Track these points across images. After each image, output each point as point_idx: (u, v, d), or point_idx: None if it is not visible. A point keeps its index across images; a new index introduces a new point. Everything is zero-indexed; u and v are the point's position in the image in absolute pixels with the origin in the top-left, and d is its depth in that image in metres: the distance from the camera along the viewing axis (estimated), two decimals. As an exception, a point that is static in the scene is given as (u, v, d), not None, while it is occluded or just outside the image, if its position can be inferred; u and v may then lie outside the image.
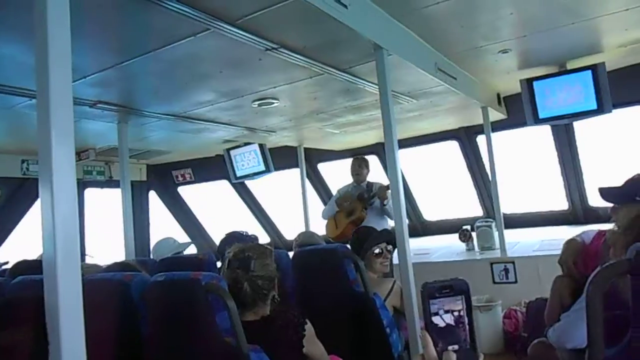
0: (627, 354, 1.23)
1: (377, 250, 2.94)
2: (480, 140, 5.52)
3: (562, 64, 4.10)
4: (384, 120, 2.69)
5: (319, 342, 2.11)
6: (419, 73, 3.28)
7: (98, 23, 2.14)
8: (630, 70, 4.34)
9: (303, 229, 5.51)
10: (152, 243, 4.21)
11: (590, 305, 1.20)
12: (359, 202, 4.97)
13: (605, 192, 2.06)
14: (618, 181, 2.04)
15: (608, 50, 3.82)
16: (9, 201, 5.15)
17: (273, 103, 3.76)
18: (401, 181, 2.70)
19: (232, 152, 5.75)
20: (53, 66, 1.19)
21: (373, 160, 6.13)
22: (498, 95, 5.00)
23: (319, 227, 5.28)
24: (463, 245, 5.16)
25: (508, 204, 5.35)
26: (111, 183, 5.76)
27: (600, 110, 3.97)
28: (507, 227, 4.81)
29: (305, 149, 5.85)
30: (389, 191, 4.86)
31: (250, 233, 3.69)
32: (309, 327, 2.05)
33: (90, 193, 5.92)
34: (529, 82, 4.21)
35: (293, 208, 6.09)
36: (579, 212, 5.47)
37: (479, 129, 5.16)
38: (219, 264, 2.47)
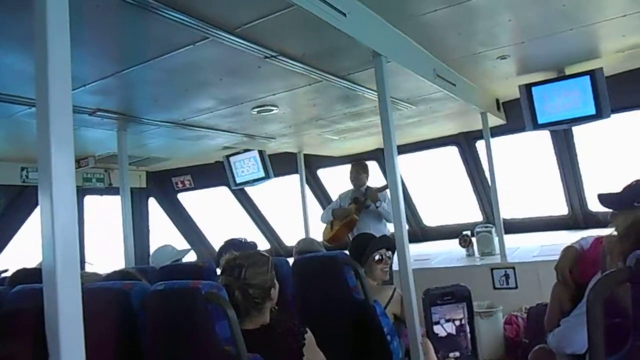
0: (628, 362, 1.23)
1: (377, 257, 2.93)
2: (480, 145, 5.53)
3: (560, 69, 4.12)
4: (383, 126, 2.69)
5: (320, 350, 2.10)
6: (417, 80, 3.29)
7: (98, 32, 2.15)
8: (628, 75, 4.36)
9: (303, 235, 5.51)
10: (152, 250, 4.20)
11: (590, 312, 1.20)
12: (354, 205, 4.99)
13: (603, 199, 2.07)
14: (618, 186, 2.04)
15: (606, 55, 3.83)
16: (9, 209, 5.14)
17: (272, 110, 3.77)
18: (401, 187, 2.70)
19: (231, 159, 5.75)
20: (53, 75, 1.19)
21: (373, 166, 6.14)
22: (497, 100, 5.02)
23: (319, 233, 5.28)
24: (463, 251, 5.15)
25: (508, 209, 5.36)
26: (111, 190, 5.75)
27: (599, 115, 3.98)
28: (507, 232, 4.82)
29: (305, 155, 5.86)
30: (382, 193, 4.90)
31: (249, 240, 3.70)
32: (309, 335, 2.04)
33: (89, 200, 5.91)
34: (527, 88, 4.22)
35: (293, 214, 6.09)
36: (578, 217, 5.47)
37: (478, 135, 5.17)
38: (219, 271, 2.46)
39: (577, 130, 4.96)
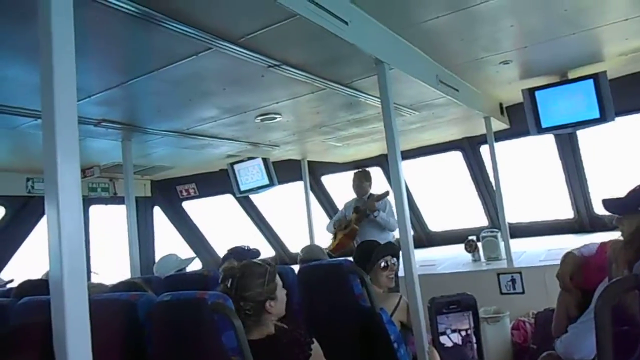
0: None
1: (382, 264, 2.92)
2: (484, 150, 5.52)
3: (563, 73, 4.11)
4: (387, 132, 2.69)
5: None
6: (420, 86, 3.30)
7: (102, 44, 2.17)
8: (631, 78, 4.35)
9: (308, 242, 5.51)
10: (157, 259, 4.20)
11: (598, 318, 1.19)
12: (354, 214, 5.00)
13: (608, 204, 2.06)
14: (623, 189, 2.04)
15: (609, 59, 3.83)
16: (14, 219, 5.16)
17: (276, 118, 3.78)
18: (405, 192, 2.69)
19: (236, 167, 5.76)
20: (58, 86, 1.19)
21: (377, 172, 6.15)
22: (500, 105, 5.01)
23: (324, 239, 5.29)
24: (469, 256, 5.13)
25: (513, 214, 5.34)
26: (116, 199, 5.77)
27: (603, 118, 3.97)
28: (513, 236, 4.79)
29: (309, 162, 5.87)
30: (381, 201, 4.92)
31: (252, 247, 3.70)
32: (315, 346, 2.03)
33: (94, 210, 5.93)
34: (530, 92, 4.21)
35: (297, 221, 6.09)
36: (584, 221, 5.44)
37: (482, 139, 5.16)
38: (223, 280, 2.46)
39: (581, 133, 4.95)
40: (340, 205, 5.63)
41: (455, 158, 5.85)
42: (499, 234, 4.95)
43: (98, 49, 2.20)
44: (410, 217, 2.69)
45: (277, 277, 2.12)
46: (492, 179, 4.99)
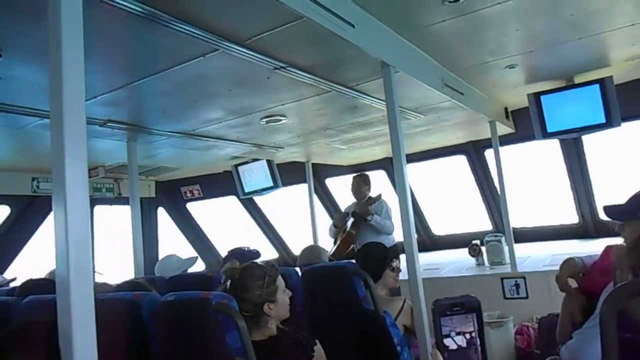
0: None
1: (394, 264, 2.94)
2: (489, 154, 5.52)
3: (569, 78, 4.10)
4: (392, 136, 2.69)
5: None
6: (426, 89, 3.30)
7: (109, 44, 2.18)
8: (638, 83, 4.34)
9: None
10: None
11: (604, 324, 1.19)
12: (351, 219, 5.03)
13: (609, 210, 2.06)
14: (628, 194, 2.03)
15: (616, 64, 3.82)
16: (19, 219, 5.18)
17: (281, 120, 3.78)
18: (410, 196, 2.69)
19: (240, 169, 5.77)
20: (67, 87, 1.20)
21: (381, 175, 6.14)
22: (506, 109, 5.01)
23: (328, 242, 5.29)
24: (473, 260, 5.12)
25: (517, 218, 5.32)
26: (120, 200, 5.79)
27: (608, 123, 3.96)
28: (517, 241, 4.78)
29: (313, 164, 5.87)
30: (377, 205, 4.93)
31: (252, 248, 3.71)
32: (318, 348, 2.02)
33: (99, 210, 5.95)
34: (536, 97, 4.21)
35: (301, 223, 6.09)
36: (589, 226, 5.43)
37: (487, 143, 5.16)
38: (225, 281, 2.46)
39: (587, 138, 4.93)
40: (343, 208, 5.64)
41: (460, 162, 5.84)
42: (503, 239, 4.94)
43: (105, 50, 2.21)
44: (414, 220, 2.69)
45: (280, 280, 2.11)
46: (496, 184, 4.98)
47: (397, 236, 4.84)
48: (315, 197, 5.95)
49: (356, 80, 3.13)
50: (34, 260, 5.14)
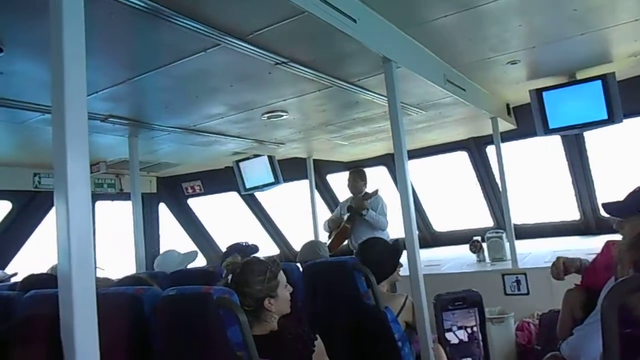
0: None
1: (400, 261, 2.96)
2: (490, 150, 5.50)
3: (571, 74, 4.09)
4: (394, 132, 2.69)
5: (328, 359, 2.09)
6: (427, 85, 3.29)
7: (110, 39, 2.18)
8: (640, 79, 4.33)
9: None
10: (160, 255, 4.21)
11: (605, 319, 1.19)
12: (348, 213, 5.05)
13: (608, 207, 2.06)
14: (629, 191, 2.03)
15: (618, 60, 3.80)
16: (20, 214, 5.19)
17: (282, 115, 3.78)
18: (411, 192, 2.69)
19: (241, 164, 5.77)
20: (69, 82, 1.20)
21: (382, 171, 6.14)
22: (507, 105, 4.99)
23: (325, 237, 5.31)
24: (474, 257, 5.12)
25: (519, 215, 5.32)
26: (121, 195, 5.79)
27: (610, 120, 3.95)
28: (518, 237, 4.78)
29: (314, 160, 5.87)
30: (374, 200, 4.94)
31: (251, 243, 3.71)
32: (319, 342, 2.03)
33: (100, 205, 5.96)
34: (538, 93, 4.20)
35: (302, 219, 6.10)
36: (590, 222, 5.42)
37: (488, 140, 5.15)
38: (230, 276, 2.47)
39: (588, 135, 4.93)
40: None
41: (461, 158, 5.84)
42: (504, 235, 4.93)
43: (106, 45, 2.21)
44: (415, 216, 2.69)
45: (282, 275, 2.12)
46: (498, 180, 4.98)
47: (397, 232, 4.84)
48: (316, 193, 5.95)
49: (358, 75, 3.12)
50: (36, 256, 5.15)
